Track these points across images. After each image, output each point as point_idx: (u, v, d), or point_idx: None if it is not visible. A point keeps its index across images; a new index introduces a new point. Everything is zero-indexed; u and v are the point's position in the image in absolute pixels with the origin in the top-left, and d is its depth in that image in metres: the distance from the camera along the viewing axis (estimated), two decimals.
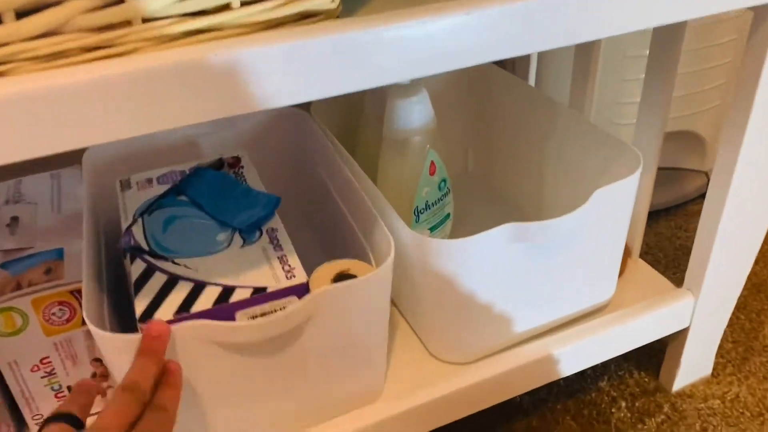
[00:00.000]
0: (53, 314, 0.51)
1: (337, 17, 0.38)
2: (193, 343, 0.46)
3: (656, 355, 0.73)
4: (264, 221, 0.54)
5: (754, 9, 0.50)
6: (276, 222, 0.54)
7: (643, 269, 0.69)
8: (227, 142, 0.68)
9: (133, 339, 0.43)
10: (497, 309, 0.56)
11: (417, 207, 0.64)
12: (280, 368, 0.50)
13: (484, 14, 0.38)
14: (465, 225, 0.72)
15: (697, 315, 0.64)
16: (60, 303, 0.51)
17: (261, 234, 0.53)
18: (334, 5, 0.37)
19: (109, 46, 0.33)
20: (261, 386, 0.50)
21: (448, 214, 0.69)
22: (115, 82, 0.32)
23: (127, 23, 0.33)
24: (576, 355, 0.61)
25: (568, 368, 0.61)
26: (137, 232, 0.53)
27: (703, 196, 1.00)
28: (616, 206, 0.56)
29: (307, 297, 0.47)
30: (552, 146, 0.68)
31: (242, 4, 0.35)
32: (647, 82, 0.64)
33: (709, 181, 1.00)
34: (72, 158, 0.74)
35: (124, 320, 0.52)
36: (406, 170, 0.63)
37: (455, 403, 0.57)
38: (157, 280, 0.49)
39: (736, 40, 0.86)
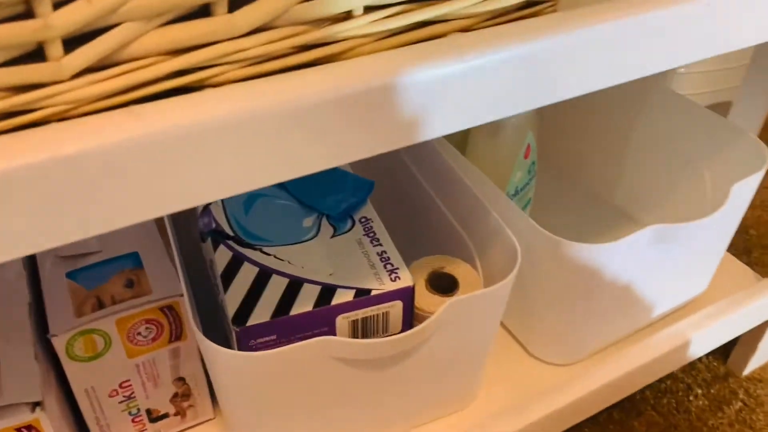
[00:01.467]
0: (139, 334, 0.44)
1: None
2: (312, 358, 0.40)
3: None
4: (356, 208, 0.48)
5: None
6: (369, 210, 0.49)
7: (726, 259, 0.67)
8: None
9: (258, 356, 0.38)
10: (617, 309, 0.52)
11: (508, 192, 0.59)
12: (387, 380, 0.45)
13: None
14: (537, 206, 0.67)
15: None
16: (147, 321, 0.43)
17: (354, 223, 0.47)
18: None
19: (325, 44, 0.26)
20: (364, 396, 0.45)
21: (530, 199, 0.64)
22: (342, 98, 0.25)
23: (348, 14, 0.26)
24: (676, 354, 0.58)
25: (667, 368, 0.59)
26: (217, 212, 0.47)
27: None
28: (741, 202, 0.53)
29: (442, 309, 0.42)
30: (642, 126, 0.63)
31: None
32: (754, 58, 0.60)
33: None
34: None
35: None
36: (500, 153, 0.58)
37: (567, 411, 0.54)
38: (247, 273, 0.43)
39: None
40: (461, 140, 0.60)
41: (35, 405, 0.37)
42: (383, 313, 0.43)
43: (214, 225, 0.46)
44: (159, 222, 0.49)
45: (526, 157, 0.58)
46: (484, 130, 0.58)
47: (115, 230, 0.46)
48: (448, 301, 0.42)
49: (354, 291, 0.42)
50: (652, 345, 0.56)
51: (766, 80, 0.59)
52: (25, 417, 0.37)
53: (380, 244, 0.46)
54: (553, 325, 0.53)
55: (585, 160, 0.71)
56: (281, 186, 0.50)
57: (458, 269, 0.48)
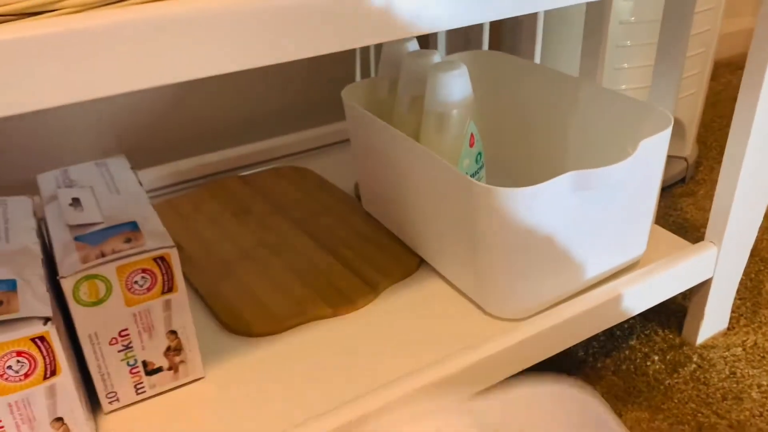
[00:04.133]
0: (135, 282, 0.51)
1: None
2: None
3: (675, 315, 0.78)
4: None
5: None
6: None
7: (661, 232, 0.74)
8: None
9: None
10: (556, 261, 0.59)
11: None
12: None
13: None
14: None
15: (720, 265, 0.70)
16: (143, 270, 0.51)
17: None
18: None
19: None
20: None
21: None
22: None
23: None
24: (621, 304, 0.64)
25: (612, 319, 0.65)
26: None
27: (683, 180, 1.08)
28: (654, 158, 0.61)
29: None
30: (575, 120, 0.73)
31: None
32: (660, 48, 0.69)
33: (688, 165, 1.08)
34: None
35: None
36: (447, 142, 0.67)
37: (511, 358, 0.60)
38: None
39: (710, 31, 0.95)
40: (414, 135, 0.69)
41: (47, 320, 0.44)
42: None
43: None
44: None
45: (471, 145, 0.67)
46: (432, 124, 0.67)
47: (117, 207, 0.54)
48: None
49: None
50: (590, 298, 0.63)
51: (672, 65, 0.69)
52: (38, 329, 0.44)
53: None
54: (501, 279, 0.60)
55: (533, 160, 0.80)
56: None
57: None
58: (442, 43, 1.02)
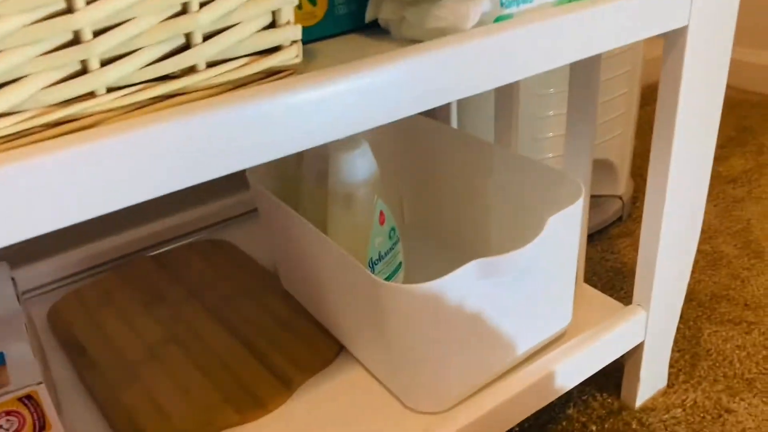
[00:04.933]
0: (0, 427, 0.46)
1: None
2: None
3: (614, 376, 0.75)
4: None
5: (665, 36, 0.54)
6: None
7: (589, 293, 0.71)
8: None
9: None
10: (472, 349, 0.56)
11: (371, 258, 0.63)
12: None
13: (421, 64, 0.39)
14: (415, 273, 0.72)
15: (650, 327, 0.67)
16: (8, 413, 0.46)
17: None
18: (297, 60, 0.37)
19: (74, 120, 0.31)
20: None
21: (400, 263, 0.68)
22: (85, 156, 0.30)
23: (91, 95, 0.31)
24: (549, 384, 0.61)
25: (543, 399, 0.62)
26: None
27: (620, 218, 1.06)
28: (567, 232, 0.58)
29: None
30: (491, 186, 0.69)
31: (208, 66, 0.34)
32: (570, 115, 0.67)
33: (624, 204, 1.06)
34: None
35: None
36: (356, 222, 0.63)
37: None
38: None
39: (630, 71, 0.93)
40: (324, 210, 0.65)
41: None
42: None
43: None
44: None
45: (382, 223, 0.64)
46: (338, 205, 0.63)
47: None
48: None
49: None
50: (518, 380, 0.59)
51: (583, 123, 0.66)
52: None
53: None
54: (416, 372, 0.56)
55: (460, 223, 0.76)
56: None
57: None
58: None
